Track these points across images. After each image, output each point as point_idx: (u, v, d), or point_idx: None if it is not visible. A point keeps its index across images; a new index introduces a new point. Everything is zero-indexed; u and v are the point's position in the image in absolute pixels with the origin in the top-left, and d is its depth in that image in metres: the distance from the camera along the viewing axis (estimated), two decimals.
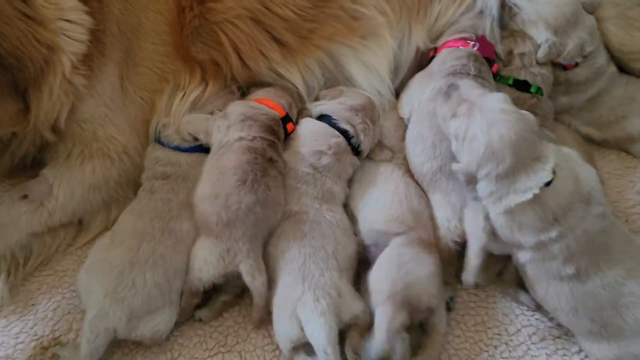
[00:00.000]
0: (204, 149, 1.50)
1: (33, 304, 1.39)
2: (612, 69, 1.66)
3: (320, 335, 1.17)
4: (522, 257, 1.21)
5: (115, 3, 1.46)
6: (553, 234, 1.15)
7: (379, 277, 1.24)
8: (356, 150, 1.48)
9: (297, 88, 1.60)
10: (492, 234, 1.24)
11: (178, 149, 1.51)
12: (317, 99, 1.61)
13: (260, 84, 1.62)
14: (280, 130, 1.48)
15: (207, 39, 1.55)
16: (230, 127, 1.44)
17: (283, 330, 1.23)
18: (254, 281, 1.27)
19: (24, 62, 1.27)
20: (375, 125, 1.51)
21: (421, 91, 1.52)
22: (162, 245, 1.32)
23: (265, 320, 1.31)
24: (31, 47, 1.28)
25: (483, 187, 1.20)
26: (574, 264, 1.16)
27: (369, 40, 1.62)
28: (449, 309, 1.32)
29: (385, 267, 1.25)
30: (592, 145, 1.67)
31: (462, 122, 1.22)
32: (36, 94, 1.34)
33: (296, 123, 1.54)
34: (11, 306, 1.38)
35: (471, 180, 1.22)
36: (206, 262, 1.29)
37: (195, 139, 1.52)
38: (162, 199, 1.41)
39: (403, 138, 1.51)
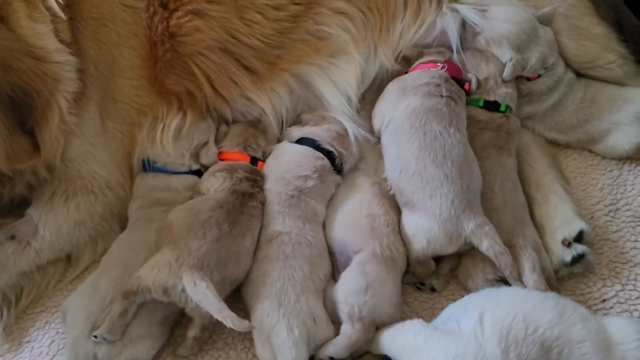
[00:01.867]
0: (196, 173, 1.57)
1: (28, 341, 1.43)
2: (570, 74, 1.72)
3: None
4: None
5: (90, 44, 1.50)
6: None
7: (346, 297, 1.28)
8: (338, 170, 1.54)
9: (265, 114, 1.65)
10: None
11: (175, 172, 1.57)
12: (298, 122, 1.65)
13: (232, 118, 1.68)
14: (258, 171, 1.54)
15: (180, 70, 1.60)
16: (212, 177, 1.50)
17: (260, 353, 1.28)
18: (195, 288, 1.20)
19: (32, 96, 1.32)
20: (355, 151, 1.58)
21: (393, 106, 1.55)
22: None
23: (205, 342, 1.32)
24: (38, 80, 1.33)
25: None
26: None
27: (337, 58, 1.66)
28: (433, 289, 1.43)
29: (351, 287, 1.29)
30: (556, 147, 1.74)
31: None
32: (41, 132, 1.38)
33: (264, 155, 1.61)
34: (6, 345, 1.42)
35: None
36: (154, 262, 1.27)
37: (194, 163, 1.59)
38: (157, 228, 1.44)
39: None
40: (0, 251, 1.44)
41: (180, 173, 1.56)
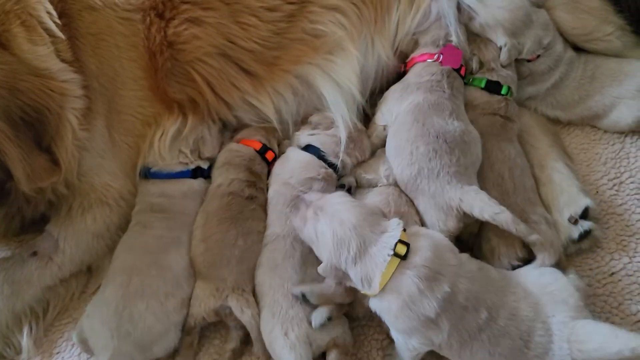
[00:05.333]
0: (193, 174, 1.61)
1: (58, 352, 1.49)
2: (570, 53, 1.72)
3: None
4: (442, 334, 1.18)
5: (90, 59, 1.53)
6: (445, 286, 1.17)
7: None
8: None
9: (269, 118, 1.67)
10: None
11: (169, 176, 1.60)
12: (307, 124, 1.66)
13: (238, 123, 1.72)
14: (258, 165, 1.59)
15: (181, 78, 1.62)
16: (215, 171, 1.58)
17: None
18: (243, 315, 1.36)
19: (43, 113, 1.36)
20: (363, 155, 1.60)
21: (399, 103, 1.57)
22: (148, 277, 1.41)
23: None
24: (46, 96, 1.36)
25: (354, 278, 1.24)
26: (482, 304, 1.19)
27: (334, 55, 1.67)
28: None
29: None
30: (557, 124, 1.75)
31: (311, 225, 1.30)
32: (58, 150, 1.42)
33: (279, 154, 1.64)
34: (37, 357, 1.48)
35: (342, 276, 1.26)
36: (197, 298, 1.40)
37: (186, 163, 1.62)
38: (155, 235, 1.49)
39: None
40: (24, 268, 1.50)
41: (176, 176, 1.59)
